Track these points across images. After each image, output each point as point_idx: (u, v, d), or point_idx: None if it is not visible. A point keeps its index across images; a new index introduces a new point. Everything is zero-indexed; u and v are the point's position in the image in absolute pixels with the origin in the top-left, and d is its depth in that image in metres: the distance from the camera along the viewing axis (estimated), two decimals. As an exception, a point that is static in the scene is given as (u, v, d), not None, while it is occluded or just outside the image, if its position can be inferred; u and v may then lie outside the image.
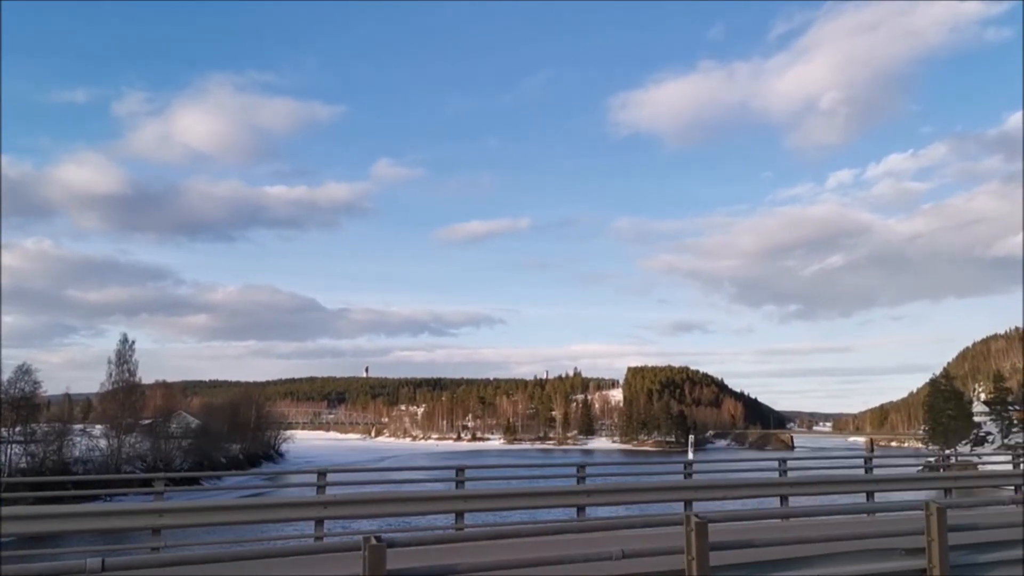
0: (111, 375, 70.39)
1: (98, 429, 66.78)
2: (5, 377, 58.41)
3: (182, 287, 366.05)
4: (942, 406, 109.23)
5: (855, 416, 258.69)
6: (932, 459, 36.46)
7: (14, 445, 55.26)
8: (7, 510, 10.74)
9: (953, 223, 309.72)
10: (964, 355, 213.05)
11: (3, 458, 53.86)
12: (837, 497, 16.55)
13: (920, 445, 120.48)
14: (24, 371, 59.47)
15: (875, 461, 19.86)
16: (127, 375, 70.57)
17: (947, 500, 15.55)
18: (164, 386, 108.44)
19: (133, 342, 72.11)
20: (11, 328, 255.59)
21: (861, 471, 18.89)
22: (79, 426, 67.69)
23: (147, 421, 73.98)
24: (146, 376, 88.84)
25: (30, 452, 55.43)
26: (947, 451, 72.39)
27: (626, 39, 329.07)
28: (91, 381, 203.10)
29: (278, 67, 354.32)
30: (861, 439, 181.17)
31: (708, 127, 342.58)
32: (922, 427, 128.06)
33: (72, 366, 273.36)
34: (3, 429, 56.08)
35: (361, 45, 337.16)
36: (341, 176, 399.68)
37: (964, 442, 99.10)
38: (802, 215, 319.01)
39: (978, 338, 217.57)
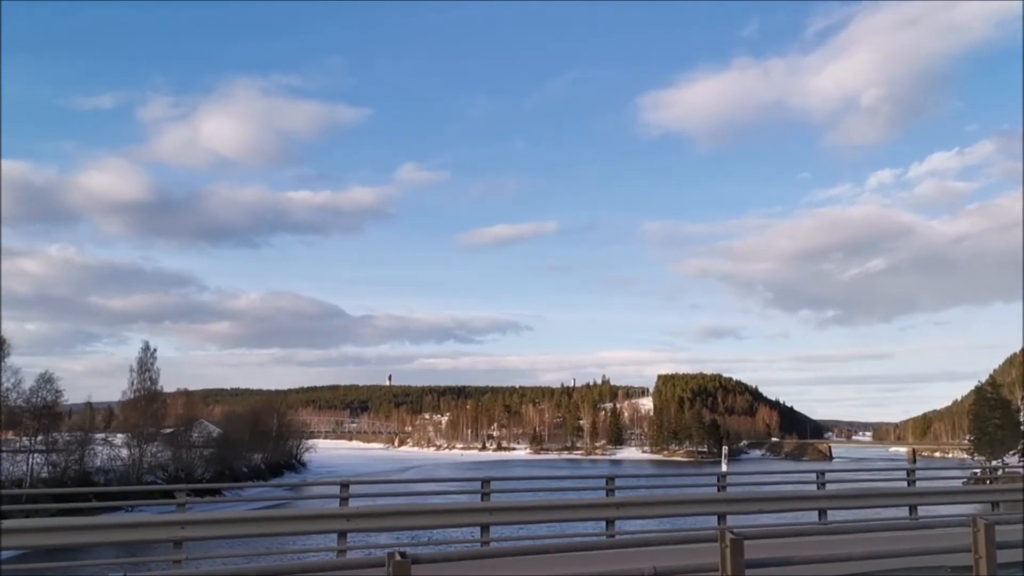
0: (133, 383, 71.43)
1: (119, 438, 67.67)
2: (27, 386, 59.43)
3: (205, 294, 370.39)
4: (988, 415, 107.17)
5: (896, 425, 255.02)
6: (978, 470, 35.84)
7: (36, 454, 56.18)
8: (28, 522, 10.91)
9: (999, 224, 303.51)
10: (1011, 362, 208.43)
11: (25, 467, 54.78)
12: (878, 511, 16.32)
13: (965, 456, 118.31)
14: (46, 379, 60.49)
15: (918, 472, 19.53)
16: (149, 383, 71.55)
17: (995, 515, 15.25)
18: (186, 394, 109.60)
19: (155, 350, 73.18)
20: (33, 336, 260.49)
21: (903, 483, 18.59)
22: (100, 435, 68.63)
23: (168, 430, 74.78)
24: (168, 384, 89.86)
25: (52, 462, 56.31)
26: (994, 462, 71.06)
27: (657, 37, 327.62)
28: (113, 389, 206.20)
29: (304, 70, 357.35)
30: (903, 449, 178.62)
31: (743, 127, 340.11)
32: (967, 437, 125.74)
33: (94, 374, 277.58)
34: (25, 438, 57.06)
35: (387, 47, 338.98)
36: (365, 180, 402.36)
37: (1012, 452, 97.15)
38: (841, 217, 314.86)
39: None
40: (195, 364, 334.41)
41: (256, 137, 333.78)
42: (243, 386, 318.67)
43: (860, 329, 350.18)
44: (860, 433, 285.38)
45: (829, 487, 16.96)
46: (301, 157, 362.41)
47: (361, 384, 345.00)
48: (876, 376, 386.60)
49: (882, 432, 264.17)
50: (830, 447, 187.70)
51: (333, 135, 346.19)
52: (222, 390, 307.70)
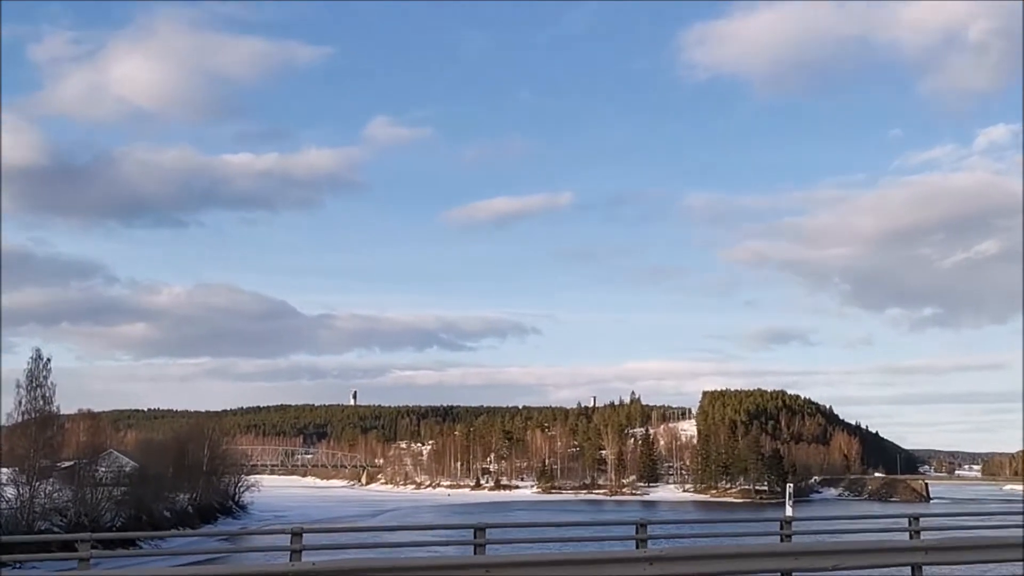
0: (20, 403, 71.17)
1: (4, 473, 67.76)
2: None
3: (115, 287, 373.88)
4: None
5: (1012, 456, 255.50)
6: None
7: None
8: None
9: None
10: None
11: None
12: (989, 567, 16.38)
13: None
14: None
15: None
16: (41, 403, 71.37)
17: None
18: (90, 417, 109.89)
19: (49, 360, 72.87)
20: None
21: (1021, 531, 18.66)
22: (-21, 470, 68.72)
23: (68, 463, 74.97)
24: (67, 404, 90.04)
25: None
26: None
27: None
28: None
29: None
30: (1021, 487, 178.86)
31: (814, 69, 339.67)
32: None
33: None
34: None
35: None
36: (324, 140, 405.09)
37: None
38: (942, 186, 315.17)
39: None
40: (102, 378, 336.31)
41: (182, 83, 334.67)
42: (164, 406, 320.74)
43: (965, 332, 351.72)
44: (966, 466, 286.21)
45: (925, 536, 17.00)
46: (242, 109, 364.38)
47: (318, 404, 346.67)
48: (986, 393, 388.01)
49: (994, 465, 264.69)
50: (927, 484, 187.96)
51: (284, 81, 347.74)
52: (137, 411, 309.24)
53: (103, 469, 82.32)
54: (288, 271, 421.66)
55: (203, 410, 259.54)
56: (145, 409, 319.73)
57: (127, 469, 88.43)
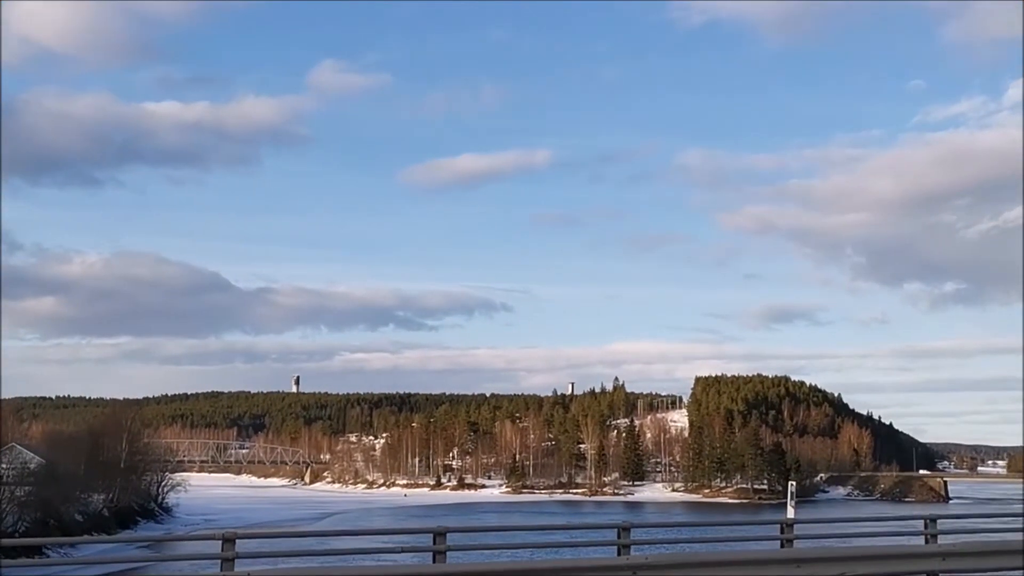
0: (-92, 390, 70.97)
1: None
2: None
3: (17, 255, 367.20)
4: None
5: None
6: None
7: None
8: None
9: None
10: None
11: None
12: (1013, 573, 16.64)
13: None
14: None
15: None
16: (-67, 390, 71.17)
17: None
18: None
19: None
20: None
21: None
22: None
23: (-37, 459, 74.64)
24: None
25: None
26: None
27: None
28: None
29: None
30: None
31: (826, 13, 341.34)
32: None
33: None
34: None
35: None
36: (263, 86, 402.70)
37: None
38: (969, 145, 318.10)
39: None
40: (3, 360, 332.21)
41: (98, 20, 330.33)
42: (76, 393, 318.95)
43: (993, 310, 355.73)
44: (990, 462, 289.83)
45: (943, 540, 17.22)
46: (167, 51, 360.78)
47: (255, 391, 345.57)
48: (1015, 380, 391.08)
49: (1021, 461, 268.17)
50: (945, 482, 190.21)
51: (215, 18, 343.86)
52: (44, 399, 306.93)
53: (4, 465, 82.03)
54: (221, 238, 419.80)
55: (121, 397, 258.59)
56: (53, 396, 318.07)
57: (32, 466, 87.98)
